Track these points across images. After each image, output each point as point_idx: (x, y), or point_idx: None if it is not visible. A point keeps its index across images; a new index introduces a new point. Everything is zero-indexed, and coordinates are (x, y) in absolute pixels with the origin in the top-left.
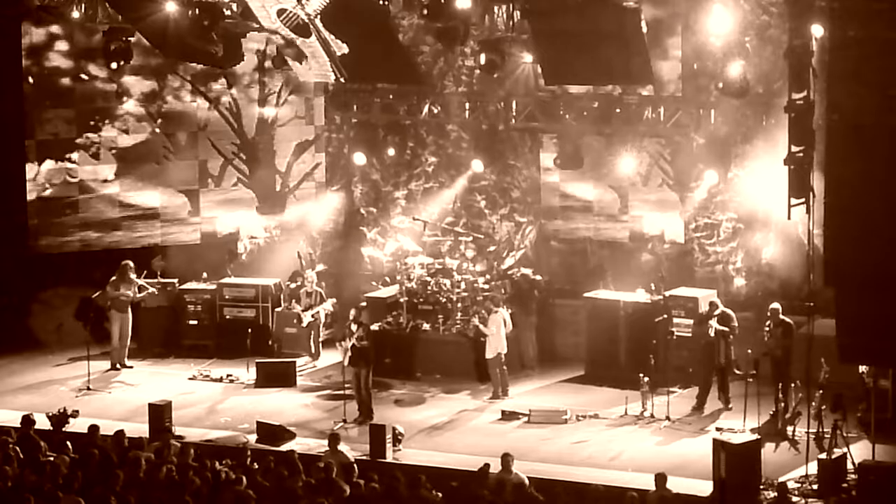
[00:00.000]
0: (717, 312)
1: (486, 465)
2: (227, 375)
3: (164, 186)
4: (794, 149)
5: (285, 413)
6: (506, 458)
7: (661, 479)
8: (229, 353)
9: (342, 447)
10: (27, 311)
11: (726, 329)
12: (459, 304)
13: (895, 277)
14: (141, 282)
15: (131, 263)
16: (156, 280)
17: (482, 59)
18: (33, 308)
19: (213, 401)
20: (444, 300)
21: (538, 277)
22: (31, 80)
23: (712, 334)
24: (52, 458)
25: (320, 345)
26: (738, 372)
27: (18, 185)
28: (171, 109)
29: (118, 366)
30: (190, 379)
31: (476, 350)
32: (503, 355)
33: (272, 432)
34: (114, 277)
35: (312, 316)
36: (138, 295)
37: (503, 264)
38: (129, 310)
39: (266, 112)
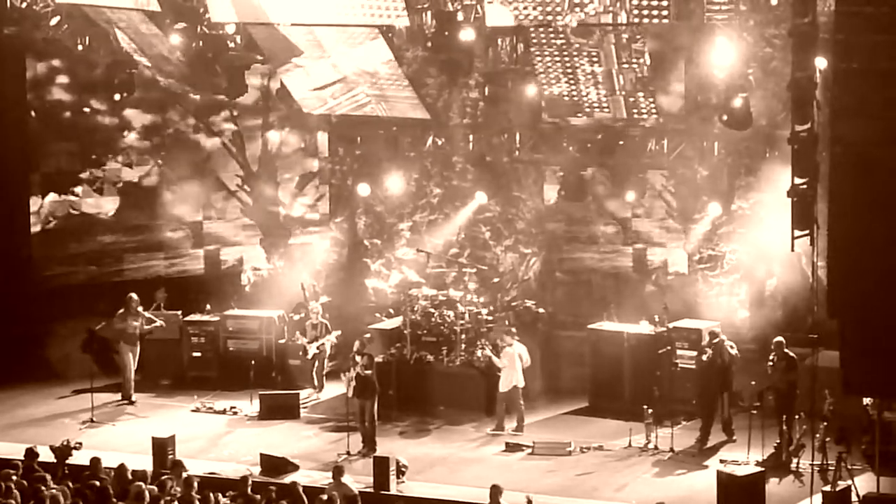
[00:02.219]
0: (715, 341)
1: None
2: (231, 407)
3: (168, 218)
4: (797, 181)
5: (289, 445)
6: (494, 490)
7: None
8: (232, 384)
9: (346, 479)
10: (32, 343)
11: (725, 357)
12: (463, 336)
13: None
14: (148, 314)
15: (135, 296)
16: (159, 311)
17: (486, 91)
18: (37, 340)
19: (216, 433)
20: (448, 332)
21: (541, 310)
22: (33, 113)
23: (704, 359)
24: (53, 491)
25: (324, 377)
26: (741, 404)
27: (23, 219)
28: (175, 142)
29: (131, 399)
30: (193, 411)
31: (487, 381)
32: (520, 389)
33: (276, 464)
34: (121, 310)
35: (318, 348)
36: (146, 327)
37: (507, 296)
38: (138, 343)
39: (269, 144)
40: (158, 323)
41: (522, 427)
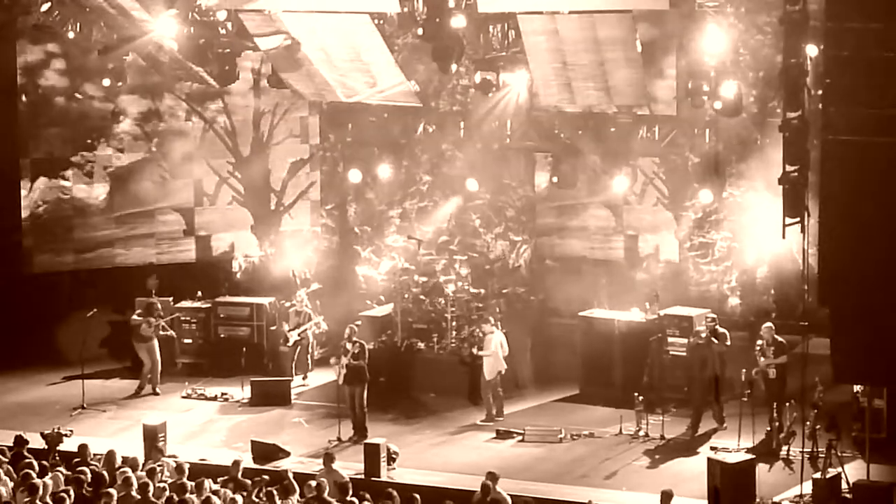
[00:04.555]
0: (710, 326)
1: (487, 485)
2: (222, 394)
3: (159, 206)
4: (788, 168)
5: (280, 431)
6: (490, 477)
7: (666, 497)
8: (224, 371)
9: (336, 466)
10: (21, 329)
11: (716, 342)
12: (454, 323)
13: (890, 297)
14: (163, 322)
15: (159, 305)
16: (152, 297)
17: (477, 78)
18: (27, 327)
19: (207, 419)
20: (439, 319)
21: (532, 298)
22: (24, 98)
23: (702, 338)
24: (44, 478)
25: (308, 364)
26: (733, 391)
27: (13, 204)
28: (167, 129)
29: (156, 391)
30: (184, 397)
31: (470, 375)
32: (501, 373)
33: (267, 451)
34: (139, 310)
35: (299, 335)
36: (160, 333)
37: (498, 283)
38: (153, 341)
39: (261, 131)
40: (170, 333)
41: (502, 412)
